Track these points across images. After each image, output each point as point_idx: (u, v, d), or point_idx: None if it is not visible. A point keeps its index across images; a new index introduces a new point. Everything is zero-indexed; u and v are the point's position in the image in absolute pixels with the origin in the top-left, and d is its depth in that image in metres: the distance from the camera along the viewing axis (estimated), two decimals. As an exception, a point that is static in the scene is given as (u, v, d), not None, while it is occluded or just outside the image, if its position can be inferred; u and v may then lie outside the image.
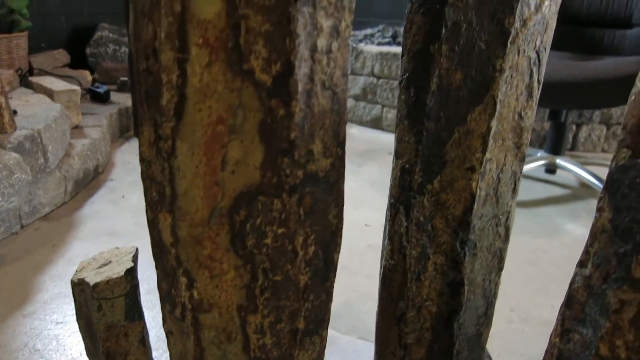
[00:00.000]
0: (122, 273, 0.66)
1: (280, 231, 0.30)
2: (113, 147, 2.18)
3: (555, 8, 0.40)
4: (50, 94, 1.92)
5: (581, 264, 0.31)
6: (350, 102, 2.67)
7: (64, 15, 3.01)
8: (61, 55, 2.81)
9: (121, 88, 2.58)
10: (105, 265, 0.71)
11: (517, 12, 0.37)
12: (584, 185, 1.84)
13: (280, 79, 0.28)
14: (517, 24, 0.38)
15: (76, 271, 0.72)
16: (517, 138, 0.43)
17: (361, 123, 2.63)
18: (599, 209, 0.30)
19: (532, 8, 0.38)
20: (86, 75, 2.51)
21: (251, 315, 0.35)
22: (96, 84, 2.50)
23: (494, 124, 0.40)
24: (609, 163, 1.76)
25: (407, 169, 0.43)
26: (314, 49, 0.29)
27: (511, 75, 0.39)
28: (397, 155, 0.43)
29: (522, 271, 1.29)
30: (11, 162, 1.25)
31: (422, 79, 0.40)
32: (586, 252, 0.30)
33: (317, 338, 0.40)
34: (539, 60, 0.41)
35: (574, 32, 1.83)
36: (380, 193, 1.79)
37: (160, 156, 0.30)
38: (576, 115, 2.17)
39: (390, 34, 2.68)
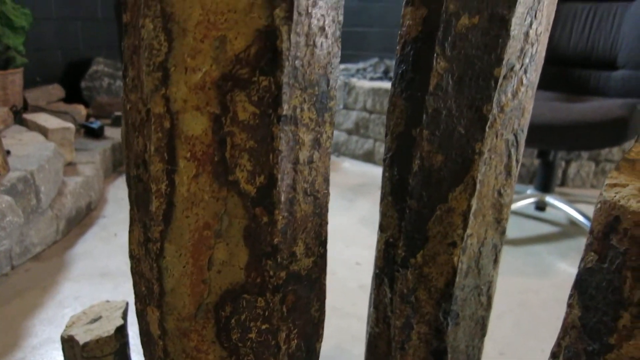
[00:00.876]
0: (112, 331, 0.66)
1: (264, 327, 0.31)
2: (106, 182, 2.19)
3: (531, 92, 0.42)
4: (44, 131, 1.93)
5: (554, 355, 0.32)
6: (342, 136, 2.70)
7: (60, 49, 3.05)
8: (56, 90, 2.84)
9: (115, 122, 2.60)
10: (95, 320, 0.70)
11: (495, 99, 0.39)
12: (573, 223, 1.86)
13: (264, 190, 0.30)
14: (495, 110, 0.40)
15: (66, 326, 0.72)
16: (497, 213, 0.45)
17: (353, 157, 2.66)
18: (569, 305, 0.31)
19: (509, 95, 0.40)
20: (80, 110, 2.54)
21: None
22: (90, 120, 2.52)
23: (474, 202, 0.41)
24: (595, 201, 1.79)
25: (391, 242, 0.44)
26: (296, 162, 0.31)
27: (490, 157, 0.41)
28: (382, 228, 0.45)
29: (512, 313, 1.29)
30: (3, 205, 1.25)
31: (404, 159, 0.41)
32: (558, 344, 0.32)
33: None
34: (517, 142, 0.42)
35: (561, 73, 1.88)
36: (371, 230, 1.80)
37: (149, 256, 0.31)
38: (565, 152, 2.21)
39: (382, 69, 2.74)
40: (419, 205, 0.42)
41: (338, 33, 0.32)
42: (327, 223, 0.36)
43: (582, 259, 0.29)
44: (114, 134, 2.44)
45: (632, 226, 0.26)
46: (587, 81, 1.82)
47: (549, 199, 1.79)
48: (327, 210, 0.36)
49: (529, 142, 1.59)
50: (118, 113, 2.61)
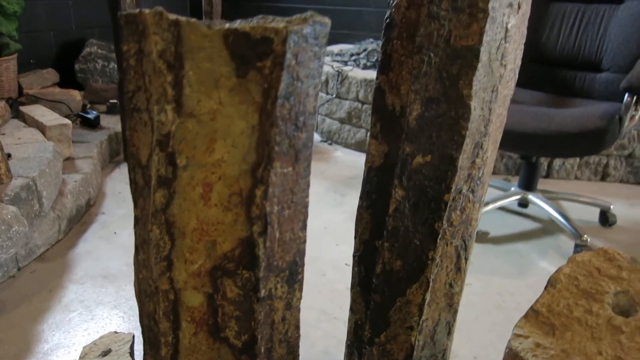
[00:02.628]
0: None
1: None
2: (103, 174, 2.24)
3: (478, 206, 0.48)
4: (42, 128, 1.97)
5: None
6: (335, 125, 2.74)
7: (52, 31, 3.04)
8: (50, 75, 2.85)
9: (111, 110, 2.63)
10: (106, 354, 0.79)
11: (445, 217, 0.45)
12: (553, 220, 1.95)
13: (248, 344, 0.37)
14: (445, 225, 0.46)
15: (80, 357, 0.80)
16: (449, 300, 0.52)
17: (346, 145, 2.71)
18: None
19: (458, 212, 0.46)
20: (75, 96, 2.56)
21: None
22: (87, 109, 2.55)
23: (427, 296, 0.48)
24: (578, 198, 1.85)
25: (359, 324, 0.52)
26: (272, 323, 0.38)
27: (441, 260, 0.48)
28: (352, 310, 0.52)
29: (488, 316, 1.39)
30: (9, 216, 1.32)
31: (369, 261, 0.48)
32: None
33: None
34: (466, 245, 0.49)
35: (548, 73, 1.92)
36: (361, 227, 1.88)
37: None
38: (550, 145, 2.27)
39: (375, 58, 2.75)
40: (382, 299, 0.49)
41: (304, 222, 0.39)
42: (298, 356, 0.43)
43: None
44: (110, 122, 2.48)
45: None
46: (573, 82, 1.86)
47: (532, 197, 1.87)
48: (298, 348, 0.43)
49: (511, 148, 1.65)
50: (113, 100, 2.64)
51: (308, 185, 0.36)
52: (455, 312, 0.54)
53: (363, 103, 2.56)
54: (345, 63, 2.87)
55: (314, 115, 0.33)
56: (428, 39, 0.40)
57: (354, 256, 0.52)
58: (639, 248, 1.78)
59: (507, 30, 0.41)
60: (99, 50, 3.12)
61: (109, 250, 1.64)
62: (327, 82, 2.71)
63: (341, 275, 1.56)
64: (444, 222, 0.46)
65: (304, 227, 0.39)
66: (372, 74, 2.57)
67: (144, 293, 0.38)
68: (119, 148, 2.44)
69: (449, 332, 0.55)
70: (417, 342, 0.52)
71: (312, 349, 1.21)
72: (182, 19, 0.30)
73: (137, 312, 1.27)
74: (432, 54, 0.40)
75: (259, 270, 0.35)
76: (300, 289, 0.40)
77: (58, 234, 1.67)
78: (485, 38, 0.40)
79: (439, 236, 0.47)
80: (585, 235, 1.69)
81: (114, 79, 3.07)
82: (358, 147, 2.65)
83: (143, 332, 0.41)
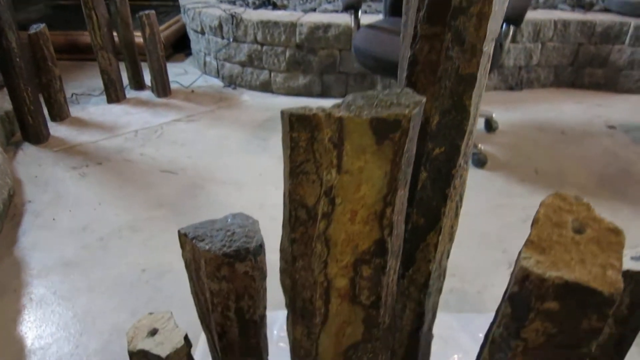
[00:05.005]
0: (182, 340, 0.87)
1: (370, 356, 0.59)
2: (8, 160, 2.09)
3: (467, 170, 0.69)
4: None
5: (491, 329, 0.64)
6: (236, 69, 2.77)
7: None
8: None
9: (-12, 86, 2.36)
10: (154, 333, 0.90)
11: (452, 185, 0.66)
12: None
13: (374, 302, 0.55)
14: (451, 190, 0.67)
15: (129, 342, 0.91)
16: (450, 236, 0.74)
17: (251, 88, 2.77)
18: (505, 307, 0.62)
19: (459, 178, 0.66)
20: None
21: None
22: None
23: (440, 238, 0.70)
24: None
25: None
26: (387, 285, 0.55)
27: (448, 213, 0.69)
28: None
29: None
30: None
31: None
32: (498, 323, 0.63)
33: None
34: (461, 199, 0.70)
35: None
36: (292, 168, 2.04)
37: (309, 338, 0.57)
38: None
39: (263, -5, 2.76)
40: (410, 246, 0.69)
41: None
42: (394, 303, 0.63)
43: (510, 289, 0.60)
44: (-7, 101, 2.25)
45: (534, 279, 0.56)
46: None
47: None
48: (395, 298, 0.62)
49: (392, 75, 1.83)
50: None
51: (407, 198, 0.54)
52: (452, 242, 0.77)
53: (262, 44, 2.61)
54: (234, 3, 2.84)
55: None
56: (445, 73, 0.57)
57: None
58: (519, 147, 2.21)
59: (489, 56, 0.59)
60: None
61: (55, 238, 1.63)
62: (220, 26, 2.68)
63: (290, 216, 1.75)
64: (451, 188, 0.66)
65: (404, 224, 0.57)
66: (267, 14, 2.60)
67: (302, 286, 0.55)
68: (13, 128, 2.25)
69: (447, 257, 0.78)
70: (432, 269, 0.74)
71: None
72: (344, 115, 0.43)
73: (120, 293, 1.35)
74: (447, 82, 0.58)
75: (386, 256, 0.53)
76: (397, 260, 0.58)
77: (-7, 233, 1.60)
78: (480, 67, 0.57)
79: (448, 198, 0.67)
80: (479, 144, 2.06)
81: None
82: (263, 88, 2.74)
83: (295, 309, 0.57)
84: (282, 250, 0.57)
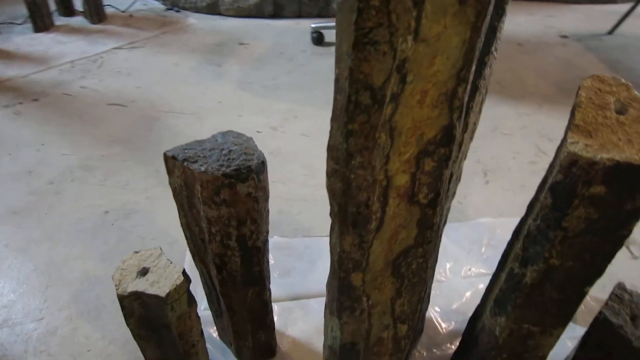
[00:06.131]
0: (182, 276, 0.79)
1: (420, 260, 0.53)
2: None
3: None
4: None
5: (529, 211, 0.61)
6: (177, -11, 2.51)
7: None
8: None
9: None
10: (145, 273, 0.82)
11: (483, 75, 0.59)
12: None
13: (432, 200, 0.48)
14: (481, 81, 0.61)
15: (117, 285, 0.82)
16: (472, 134, 0.69)
17: (196, 10, 2.53)
18: (545, 198, 0.59)
19: (488, 68, 0.60)
20: None
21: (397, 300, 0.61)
22: None
23: (467, 136, 0.65)
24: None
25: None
26: (446, 180, 0.49)
27: (475, 107, 0.63)
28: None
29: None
30: None
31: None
32: (535, 215, 0.60)
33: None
34: (486, 91, 0.65)
35: None
36: (253, 94, 1.92)
37: (360, 247, 0.51)
38: None
39: None
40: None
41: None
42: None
43: (552, 178, 0.56)
44: None
45: (583, 163, 0.53)
46: None
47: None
48: (454, 196, 0.56)
49: None
50: None
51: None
52: (472, 140, 0.72)
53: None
54: None
55: None
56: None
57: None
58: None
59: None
60: None
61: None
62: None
63: (258, 143, 1.66)
64: (482, 78, 0.60)
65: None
66: None
67: (357, 188, 0.47)
68: None
69: (465, 159, 0.74)
70: (456, 167, 0.70)
71: (270, 214, 1.35)
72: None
73: (80, 239, 1.24)
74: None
75: (453, 145, 0.46)
76: (459, 151, 0.52)
77: None
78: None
79: (477, 90, 0.61)
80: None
81: None
82: (210, 9, 2.51)
83: (345, 218, 0.50)
84: (331, 148, 0.48)
